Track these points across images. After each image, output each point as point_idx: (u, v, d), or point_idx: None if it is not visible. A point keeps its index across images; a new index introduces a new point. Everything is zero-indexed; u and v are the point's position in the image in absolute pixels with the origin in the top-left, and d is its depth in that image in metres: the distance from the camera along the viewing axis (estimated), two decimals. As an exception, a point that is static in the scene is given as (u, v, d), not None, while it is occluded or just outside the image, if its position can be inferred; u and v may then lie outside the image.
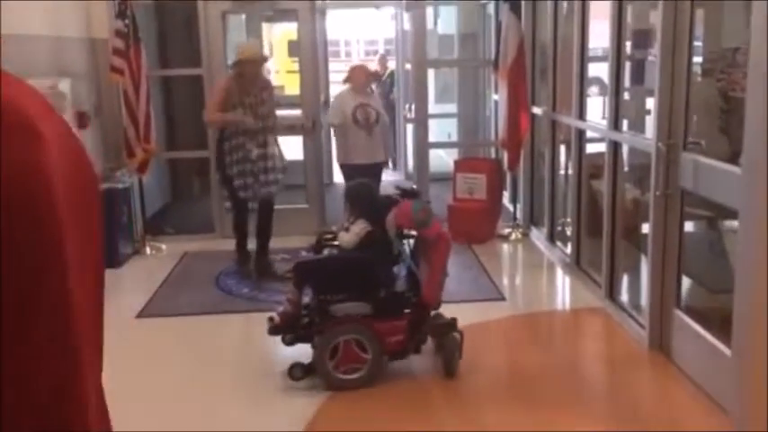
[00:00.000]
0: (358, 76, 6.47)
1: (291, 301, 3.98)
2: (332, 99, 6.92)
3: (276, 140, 5.95)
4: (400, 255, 4.02)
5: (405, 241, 4.07)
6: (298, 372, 3.90)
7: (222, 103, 5.74)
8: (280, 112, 6.27)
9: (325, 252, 4.27)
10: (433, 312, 4.03)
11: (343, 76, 6.65)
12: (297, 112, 7.17)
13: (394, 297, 4.00)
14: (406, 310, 3.97)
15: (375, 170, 6.25)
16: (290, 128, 7.09)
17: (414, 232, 4.04)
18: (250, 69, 5.74)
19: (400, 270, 4.16)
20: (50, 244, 0.75)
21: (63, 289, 0.78)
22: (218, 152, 5.91)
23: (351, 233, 4.01)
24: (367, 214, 4.01)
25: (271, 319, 3.98)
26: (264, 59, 6.07)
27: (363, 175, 6.17)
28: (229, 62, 6.61)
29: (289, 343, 3.98)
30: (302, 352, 3.97)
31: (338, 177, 8.75)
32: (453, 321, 4.04)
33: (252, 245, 6.09)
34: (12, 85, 0.73)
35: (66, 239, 0.77)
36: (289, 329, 3.96)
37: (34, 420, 0.75)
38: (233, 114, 5.65)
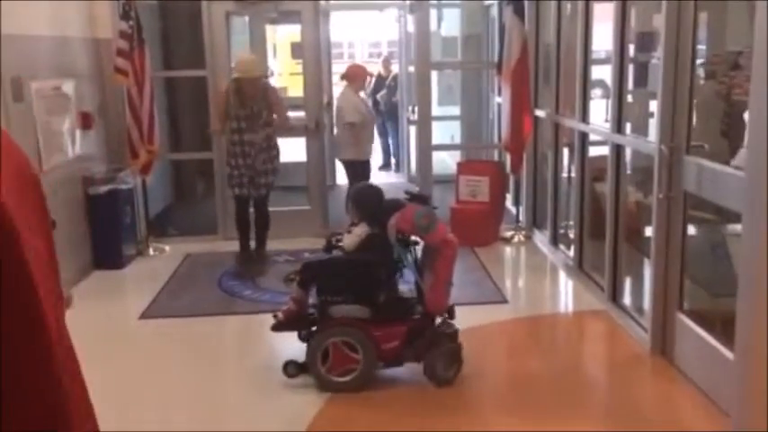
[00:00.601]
0: (360, 75, 6.83)
1: (296, 300, 4.01)
2: (339, 99, 7.00)
3: (274, 145, 6.15)
4: (401, 260, 3.98)
5: (412, 248, 4.02)
6: (292, 369, 3.96)
7: (223, 112, 6.04)
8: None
9: (333, 253, 4.27)
10: (442, 320, 3.97)
11: (343, 73, 6.95)
12: (300, 113, 7.19)
13: (394, 302, 3.96)
14: (415, 317, 3.93)
15: (368, 165, 6.95)
16: (293, 129, 7.10)
17: (416, 238, 4.02)
18: (247, 86, 5.91)
19: (405, 276, 4.12)
20: (11, 254, 0.74)
21: (33, 305, 0.77)
22: (227, 152, 6.19)
23: (352, 235, 4.01)
24: (370, 217, 3.97)
25: (275, 315, 4.04)
26: (262, 75, 6.15)
27: (364, 171, 6.61)
28: (233, 64, 6.68)
29: (304, 339, 4.01)
30: (300, 350, 3.98)
31: (340, 179, 8.78)
32: (453, 334, 3.95)
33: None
34: None
35: (24, 247, 0.76)
36: (292, 327, 4.00)
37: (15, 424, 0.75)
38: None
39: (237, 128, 5.93)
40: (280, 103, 6.23)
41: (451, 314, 4.01)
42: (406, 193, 4.21)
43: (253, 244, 6.30)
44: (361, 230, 3.97)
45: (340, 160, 7.12)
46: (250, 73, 5.90)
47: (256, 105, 5.94)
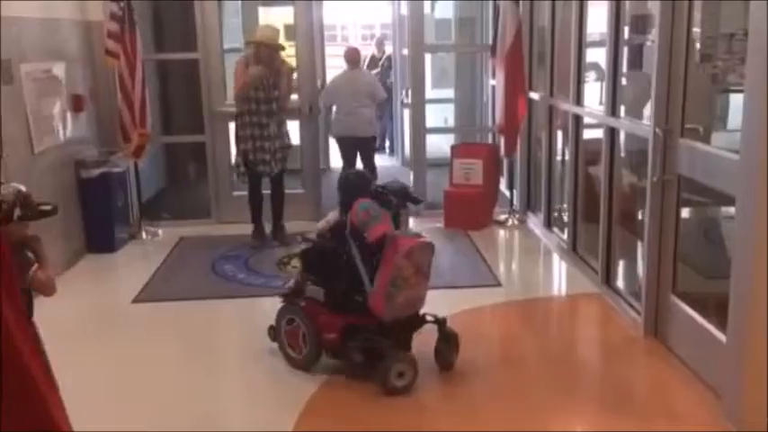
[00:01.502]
0: (359, 56, 7.42)
1: (296, 276, 4.09)
2: (362, 80, 7.34)
3: (284, 121, 6.24)
4: (350, 251, 3.72)
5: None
6: (273, 334, 4.09)
7: (245, 77, 5.96)
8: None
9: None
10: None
11: (347, 57, 7.27)
12: (293, 96, 7.15)
13: (342, 294, 3.81)
14: (354, 315, 3.78)
15: None
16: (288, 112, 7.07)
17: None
18: (266, 54, 5.90)
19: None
20: None
21: None
22: (235, 126, 6.21)
23: (323, 220, 4.02)
24: (343, 205, 3.85)
25: (285, 283, 4.18)
26: (280, 46, 6.07)
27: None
28: (226, 46, 6.62)
29: None
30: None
31: (334, 162, 8.75)
32: (388, 350, 3.67)
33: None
34: None
35: None
36: (297, 297, 4.05)
37: None
38: (250, 74, 5.92)
39: (255, 97, 5.97)
40: (289, 80, 6.21)
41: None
42: (380, 186, 3.88)
43: (267, 226, 6.40)
44: (332, 217, 3.95)
45: (364, 139, 7.19)
46: (268, 39, 5.92)
47: (272, 77, 5.98)
